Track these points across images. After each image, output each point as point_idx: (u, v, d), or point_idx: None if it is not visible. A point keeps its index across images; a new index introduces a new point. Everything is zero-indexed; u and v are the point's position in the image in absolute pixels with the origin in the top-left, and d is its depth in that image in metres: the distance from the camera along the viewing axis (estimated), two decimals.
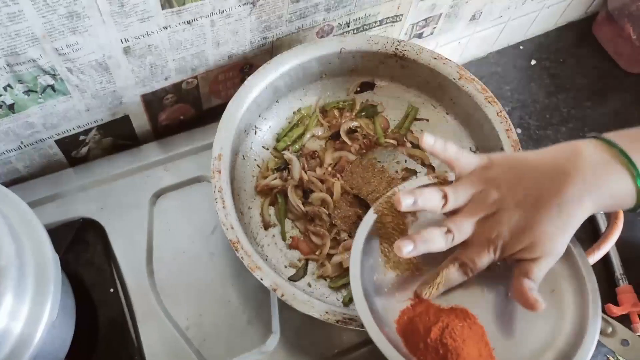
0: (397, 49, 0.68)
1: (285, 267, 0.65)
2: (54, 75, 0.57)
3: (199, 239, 0.68)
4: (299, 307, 0.54)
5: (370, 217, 0.53)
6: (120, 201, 0.68)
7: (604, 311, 0.73)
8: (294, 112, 0.72)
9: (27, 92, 0.57)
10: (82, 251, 0.66)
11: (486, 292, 0.52)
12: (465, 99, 0.67)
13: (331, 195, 0.66)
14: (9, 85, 0.55)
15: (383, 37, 0.68)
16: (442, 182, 0.53)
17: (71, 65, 0.56)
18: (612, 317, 0.70)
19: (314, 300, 0.54)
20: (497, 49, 0.98)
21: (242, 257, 0.55)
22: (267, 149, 0.71)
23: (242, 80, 0.65)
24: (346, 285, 0.63)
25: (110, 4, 0.52)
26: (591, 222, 0.81)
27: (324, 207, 0.66)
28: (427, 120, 0.73)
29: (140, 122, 0.71)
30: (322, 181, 0.68)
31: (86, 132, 0.68)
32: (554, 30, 1.02)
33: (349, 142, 0.71)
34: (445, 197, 0.49)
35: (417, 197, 0.48)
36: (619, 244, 0.71)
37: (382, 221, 0.53)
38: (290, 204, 0.67)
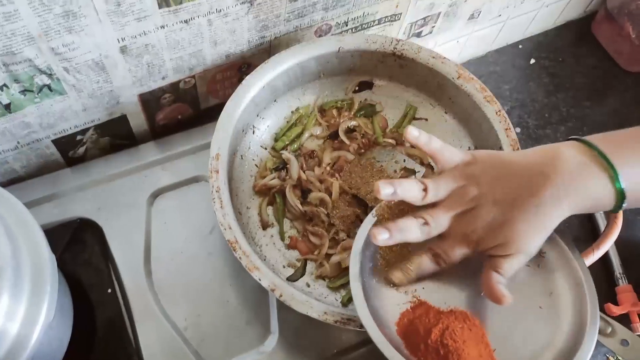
0: (396, 48, 0.68)
1: (284, 267, 0.65)
2: (51, 74, 0.56)
3: (197, 239, 0.68)
4: (298, 308, 0.53)
5: (370, 220, 0.53)
6: (117, 201, 0.68)
7: (603, 311, 0.73)
8: (292, 112, 0.72)
9: (24, 91, 0.57)
10: (80, 251, 0.65)
11: (484, 295, 0.52)
12: (464, 98, 0.66)
13: (330, 195, 0.66)
14: (5, 85, 0.55)
15: (381, 36, 0.68)
16: None
17: (67, 65, 0.56)
18: (612, 317, 0.70)
19: (313, 300, 0.54)
20: (496, 48, 0.98)
21: (240, 258, 0.55)
22: (265, 149, 0.70)
23: (240, 80, 0.65)
24: (345, 285, 0.63)
25: (107, 3, 0.51)
26: (590, 221, 0.81)
27: (323, 207, 0.66)
28: (426, 119, 0.73)
29: (138, 121, 0.71)
30: (320, 181, 0.67)
31: (83, 131, 0.68)
32: (553, 29, 1.02)
33: (347, 142, 0.71)
34: (425, 189, 0.49)
35: (396, 187, 0.48)
36: (618, 243, 0.71)
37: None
38: (288, 204, 0.66)
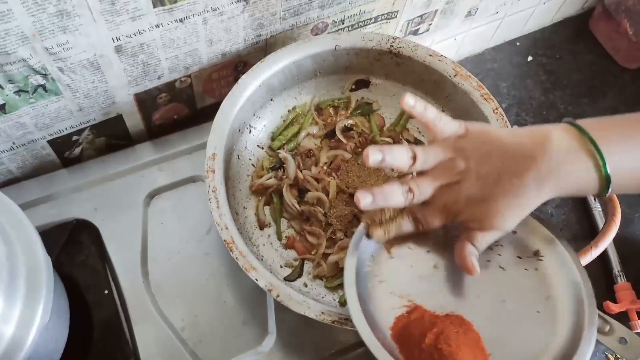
0: (392, 46, 0.67)
1: (281, 267, 0.64)
2: (45, 74, 0.56)
3: (193, 239, 0.67)
4: (295, 308, 0.53)
5: (364, 225, 0.53)
6: (114, 202, 0.68)
7: (601, 309, 0.73)
8: (288, 111, 0.72)
9: (18, 92, 0.56)
10: (76, 252, 0.65)
11: (481, 299, 0.51)
12: (462, 96, 0.66)
13: (327, 194, 0.66)
14: None
15: (378, 34, 0.68)
16: None
17: (62, 65, 0.56)
18: (610, 315, 0.69)
19: (310, 300, 0.54)
20: (493, 46, 0.98)
21: (236, 258, 0.55)
22: (262, 148, 0.70)
23: (236, 79, 0.64)
24: (342, 285, 0.63)
25: (101, 2, 0.51)
26: (589, 219, 0.81)
27: (320, 207, 0.65)
28: None
29: (134, 121, 0.71)
30: (317, 180, 0.67)
31: (79, 132, 0.67)
32: (551, 26, 1.02)
33: (344, 141, 0.70)
34: (414, 157, 0.50)
35: (385, 153, 0.49)
36: (616, 241, 0.71)
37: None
38: (285, 204, 0.66)
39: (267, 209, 0.68)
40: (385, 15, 0.76)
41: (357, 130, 0.72)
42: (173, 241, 0.67)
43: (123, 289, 0.63)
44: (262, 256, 0.64)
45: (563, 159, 0.46)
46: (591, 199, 0.81)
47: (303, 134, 0.71)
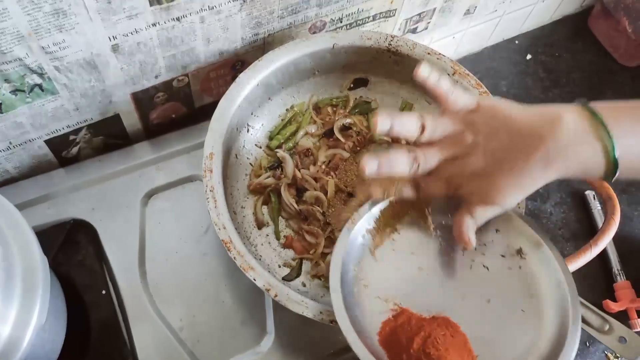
0: (391, 44, 0.67)
1: (279, 266, 0.64)
2: (42, 74, 0.56)
3: (191, 239, 0.67)
4: (293, 308, 0.53)
5: (349, 228, 0.53)
6: (111, 201, 0.68)
7: (601, 307, 0.73)
8: (286, 110, 0.72)
9: (15, 91, 0.56)
10: (73, 253, 0.65)
11: (466, 300, 0.51)
12: None
13: (325, 193, 0.66)
14: None
15: (376, 33, 0.67)
16: None
17: (59, 64, 0.56)
18: (610, 314, 0.69)
19: (308, 300, 0.53)
20: (492, 44, 0.97)
21: (234, 258, 0.54)
22: (260, 147, 0.70)
23: (234, 78, 0.64)
24: None
25: (97, 1, 0.51)
26: (588, 217, 0.81)
27: (318, 206, 0.65)
28: None
29: (131, 121, 0.70)
30: (316, 179, 0.67)
31: (76, 131, 0.67)
32: (550, 24, 1.01)
33: (342, 140, 0.70)
34: (423, 127, 0.50)
35: (394, 120, 0.49)
36: (616, 240, 0.71)
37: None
38: (283, 203, 0.66)
39: (265, 208, 0.67)
40: (384, 14, 0.76)
41: (355, 129, 0.71)
42: (171, 241, 0.67)
43: (121, 289, 0.63)
44: (260, 256, 0.64)
45: (572, 140, 0.45)
46: (590, 197, 0.81)
47: (301, 133, 0.71)
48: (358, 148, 0.70)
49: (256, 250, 0.64)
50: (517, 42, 0.99)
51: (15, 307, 0.46)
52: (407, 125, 0.49)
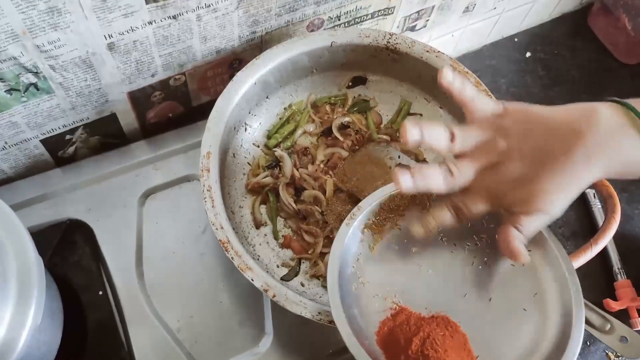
0: (389, 42, 0.66)
1: (278, 266, 0.64)
2: (37, 73, 0.55)
3: (189, 239, 0.67)
4: (291, 308, 0.52)
5: (345, 228, 0.52)
6: (108, 201, 0.67)
7: (602, 306, 0.73)
8: (284, 108, 0.71)
9: (9, 90, 0.56)
10: (70, 253, 0.64)
11: (467, 298, 0.50)
12: None
13: (324, 192, 0.65)
14: None
15: (374, 31, 0.67)
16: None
17: (54, 63, 0.55)
18: (611, 312, 0.69)
19: (307, 300, 0.53)
20: (491, 42, 0.97)
21: (232, 258, 0.54)
22: (258, 146, 0.69)
23: (231, 76, 0.64)
24: None
25: None
26: (588, 216, 0.81)
27: (317, 205, 0.65)
28: (421, 114, 0.72)
29: (128, 120, 0.70)
30: (314, 178, 0.66)
31: (72, 131, 0.66)
32: (549, 21, 1.01)
33: (341, 138, 0.70)
34: (452, 136, 0.47)
35: (424, 129, 0.46)
36: (616, 238, 0.71)
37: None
38: (281, 202, 0.65)
39: (263, 208, 0.67)
40: (382, 12, 0.75)
41: (354, 128, 0.71)
42: (168, 241, 0.66)
43: (118, 290, 0.62)
44: (259, 256, 0.63)
45: (612, 135, 0.43)
46: (590, 196, 0.81)
47: (299, 131, 0.70)
48: (356, 147, 0.69)
49: (254, 250, 0.64)
50: (516, 39, 0.98)
51: (9, 309, 0.46)
52: (436, 135, 0.46)
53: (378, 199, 0.53)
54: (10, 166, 0.66)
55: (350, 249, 0.51)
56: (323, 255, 0.63)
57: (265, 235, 0.65)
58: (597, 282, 0.76)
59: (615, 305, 0.72)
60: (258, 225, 0.66)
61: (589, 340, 0.72)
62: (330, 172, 0.67)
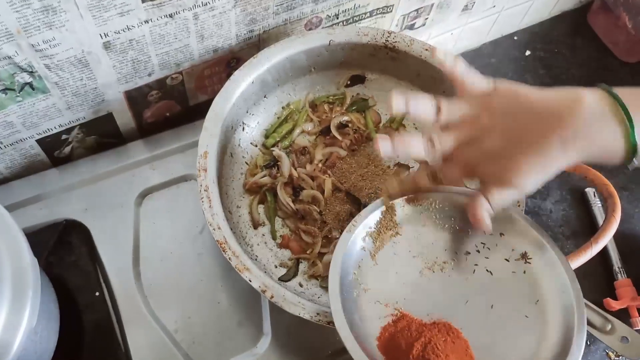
0: (388, 40, 0.66)
1: (276, 267, 0.63)
2: (32, 72, 0.55)
3: (186, 239, 0.66)
4: (290, 309, 0.52)
5: (347, 235, 0.51)
6: (105, 201, 0.67)
7: (602, 306, 0.72)
8: (282, 107, 0.71)
9: (4, 90, 0.55)
10: (66, 254, 0.64)
11: (469, 305, 0.50)
12: None
13: (322, 192, 0.65)
14: None
15: (373, 29, 0.66)
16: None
17: (49, 62, 0.55)
18: (611, 312, 0.68)
19: (305, 301, 0.52)
20: (490, 40, 0.97)
21: (229, 258, 0.54)
22: (256, 146, 0.69)
23: (229, 75, 0.63)
24: None
25: None
26: (588, 215, 0.80)
27: (315, 205, 0.64)
28: None
29: (125, 119, 0.69)
30: (312, 178, 0.66)
31: (68, 130, 0.66)
32: (548, 20, 1.00)
33: (339, 138, 0.69)
34: (439, 109, 0.49)
35: (409, 100, 0.48)
36: (617, 237, 0.70)
37: None
38: (280, 202, 0.65)
39: (261, 207, 0.67)
40: (381, 10, 0.75)
41: (352, 127, 0.71)
42: (165, 241, 0.66)
43: (114, 291, 0.62)
44: (257, 256, 0.63)
45: (592, 121, 0.44)
46: (591, 195, 0.80)
47: (297, 131, 0.70)
48: (355, 146, 0.69)
49: (252, 251, 0.63)
50: (515, 38, 0.98)
51: (4, 311, 0.45)
52: (422, 105, 0.48)
53: (380, 206, 0.53)
54: (5, 166, 0.66)
55: (352, 255, 0.51)
56: (321, 255, 0.63)
57: (263, 235, 0.65)
58: (597, 281, 0.76)
59: (615, 305, 0.72)
60: (256, 225, 0.65)
61: (589, 340, 0.72)
62: (329, 172, 0.67)
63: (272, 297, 0.52)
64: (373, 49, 0.67)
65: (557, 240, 0.78)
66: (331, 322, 0.51)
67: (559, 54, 0.97)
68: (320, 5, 0.67)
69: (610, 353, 0.72)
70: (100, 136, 0.70)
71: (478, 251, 0.51)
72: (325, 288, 0.62)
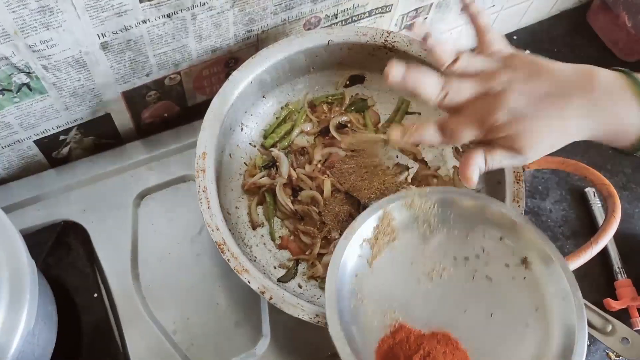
0: (387, 40, 0.66)
1: (275, 268, 0.63)
2: (29, 73, 0.55)
3: (185, 240, 0.66)
4: (289, 310, 0.52)
5: (343, 243, 0.50)
6: (103, 202, 0.66)
7: (602, 306, 0.72)
8: (281, 108, 0.70)
9: (1, 91, 0.55)
10: (64, 255, 0.64)
11: (468, 313, 0.49)
12: None
13: (321, 193, 0.64)
14: None
15: (372, 29, 0.66)
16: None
17: (46, 63, 0.54)
18: (611, 312, 0.68)
19: (304, 303, 0.52)
20: None
21: (228, 260, 0.53)
22: (254, 146, 0.69)
23: (227, 75, 0.63)
24: None
25: None
26: (588, 215, 0.80)
27: (314, 206, 0.64)
28: (419, 113, 0.71)
29: (123, 120, 0.69)
30: (311, 178, 0.66)
31: (66, 131, 0.66)
32: (548, 19, 1.00)
33: (338, 138, 0.69)
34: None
35: (410, 70, 0.45)
36: (617, 237, 0.70)
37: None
38: (279, 203, 0.65)
39: (260, 208, 0.66)
40: (380, 9, 0.74)
41: (351, 127, 0.70)
42: (164, 242, 0.66)
43: (113, 292, 0.62)
44: (255, 257, 0.63)
45: (610, 96, 0.44)
46: (591, 195, 0.80)
47: (296, 131, 0.70)
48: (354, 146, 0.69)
49: (251, 252, 0.63)
50: (515, 37, 0.97)
51: (1, 313, 0.45)
52: (425, 78, 0.46)
53: (375, 211, 0.52)
54: (3, 167, 0.66)
55: (349, 264, 0.50)
56: (321, 256, 0.63)
57: (262, 236, 0.65)
58: (597, 281, 0.76)
59: (615, 305, 0.71)
60: (255, 226, 0.65)
61: (589, 340, 0.71)
62: (328, 172, 0.66)
63: (271, 298, 0.52)
64: (372, 48, 0.67)
65: (557, 240, 0.78)
66: None
67: (559, 53, 0.96)
68: (319, 5, 0.67)
69: (611, 353, 0.71)
70: (99, 137, 0.70)
71: (477, 256, 0.50)
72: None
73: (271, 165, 0.67)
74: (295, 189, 0.66)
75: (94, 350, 0.59)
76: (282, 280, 0.62)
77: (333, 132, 0.69)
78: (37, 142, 0.65)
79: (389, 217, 0.52)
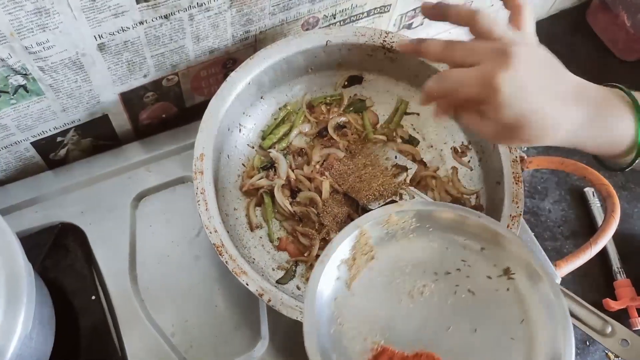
0: (385, 40, 0.65)
1: (273, 269, 0.63)
2: (26, 74, 0.54)
3: (183, 242, 0.66)
4: (287, 313, 0.52)
5: (318, 270, 0.48)
6: (101, 204, 0.66)
7: (601, 306, 0.72)
8: (279, 109, 0.70)
9: None
10: (62, 257, 0.63)
11: (451, 331, 0.47)
12: None
13: (320, 194, 0.64)
14: None
15: (370, 29, 0.66)
16: None
17: (43, 64, 0.54)
18: (610, 312, 0.68)
19: (303, 305, 0.52)
20: None
21: (226, 262, 0.53)
22: (253, 147, 0.68)
23: (225, 76, 0.63)
24: None
25: None
26: (587, 215, 0.80)
27: (313, 207, 0.64)
28: (418, 114, 0.71)
29: (120, 121, 0.69)
30: (310, 180, 0.66)
31: (64, 133, 0.65)
32: (547, 18, 1.00)
33: (337, 139, 0.69)
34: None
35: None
36: (616, 237, 0.70)
37: None
38: (277, 204, 0.64)
39: (258, 210, 0.66)
40: (378, 9, 0.74)
41: (350, 128, 0.70)
42: (162, 244, 0.65)
43: (111, 294, 0.61)
44: (254, 259, 0.62)
45: (606, 107, 0.46)
46: (590, 195, 0.80)
47: (294, 132, 0.69)
48: (353, 147, 0.68)
49: (249, 253, 0.63)
50: None
51: None
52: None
53: (352, 231, 0.50)
54: (0, 169, 0.65)
55: (327, 288, 0.48)
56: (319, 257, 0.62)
57: (261, 237, 0.65)
58: (596, 281, 0.76)
59: (614, 305, 0.72)
60: (253, 227, 0.65)
61: (589, 341, 0.72)
62: (326, 173, 0.66)
63: (269, 300, 0.52)
64: (370, 49, 0.67)
65: (556, 240, 0.78)
66: None
67: (558, 52, 0.95)
68: (317, 5, 0.67)
69: (610, 354, 0.71)
70: (96, 138, 0.69)
71: (459, 269, 0.49)
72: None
73: (269, 166, 0.67)
74: (293, 190, 0.65)
75: (92, 353, 0.59)
76: (281, 282, 0.62)
77: (331, 133, 0.69)
78: (35, 144, 0.65)
79: (366, 235, 0.50)
